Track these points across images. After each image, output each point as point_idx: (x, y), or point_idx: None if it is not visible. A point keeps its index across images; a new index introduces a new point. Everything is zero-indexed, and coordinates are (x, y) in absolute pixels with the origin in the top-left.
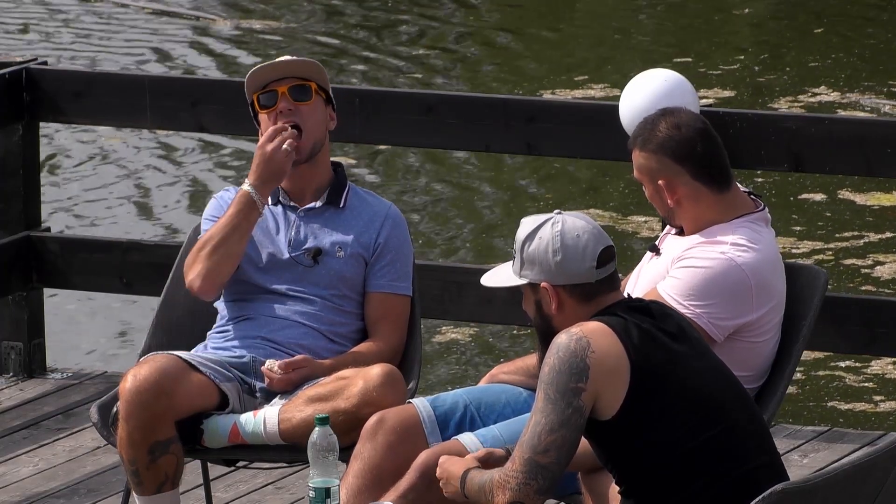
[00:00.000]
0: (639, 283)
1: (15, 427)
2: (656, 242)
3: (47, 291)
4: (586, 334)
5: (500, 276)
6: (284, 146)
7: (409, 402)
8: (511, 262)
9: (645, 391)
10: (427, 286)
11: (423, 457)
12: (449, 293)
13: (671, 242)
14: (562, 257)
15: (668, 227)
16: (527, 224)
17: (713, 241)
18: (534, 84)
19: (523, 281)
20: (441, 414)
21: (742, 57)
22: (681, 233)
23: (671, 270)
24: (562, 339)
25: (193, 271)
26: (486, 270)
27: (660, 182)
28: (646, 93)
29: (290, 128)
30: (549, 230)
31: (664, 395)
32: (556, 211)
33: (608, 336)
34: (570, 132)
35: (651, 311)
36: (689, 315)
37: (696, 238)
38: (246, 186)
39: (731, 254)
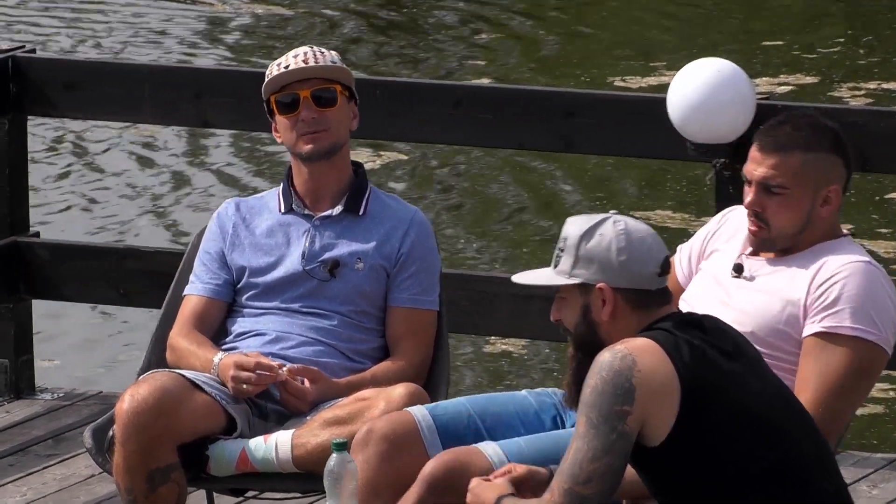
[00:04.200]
0: (732, 308)
1: (1, 453)
2: (738, 261)
3: (36, 303)
4: (632, 351)
5: (538, 275)
6: (245, 387)
7: (405, 410)
8: (553, 264)
9: (696, 414)
10: (455, 297)
11: (430, 467)
12: (479, 306)
13: (769, 268)
14: (627, 257)
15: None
16: (579, 222)
17: (839, 256)
18: (604, 70)
19: (574, 280)
20: (441, 424)
21: (842, 40)
22: (780, 253)
23: (817, 308)
24: (605, 357)
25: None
26: None
27: (831, 189)
28: (698, 84)
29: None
30: (611, 228)
31: (717, 417)
32: (611, 211)
33: (656, 353)
34: (611, 127)
35: (704, 327)
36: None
37: (809, 257)
38: (215, 360)
39: (869, 261)
